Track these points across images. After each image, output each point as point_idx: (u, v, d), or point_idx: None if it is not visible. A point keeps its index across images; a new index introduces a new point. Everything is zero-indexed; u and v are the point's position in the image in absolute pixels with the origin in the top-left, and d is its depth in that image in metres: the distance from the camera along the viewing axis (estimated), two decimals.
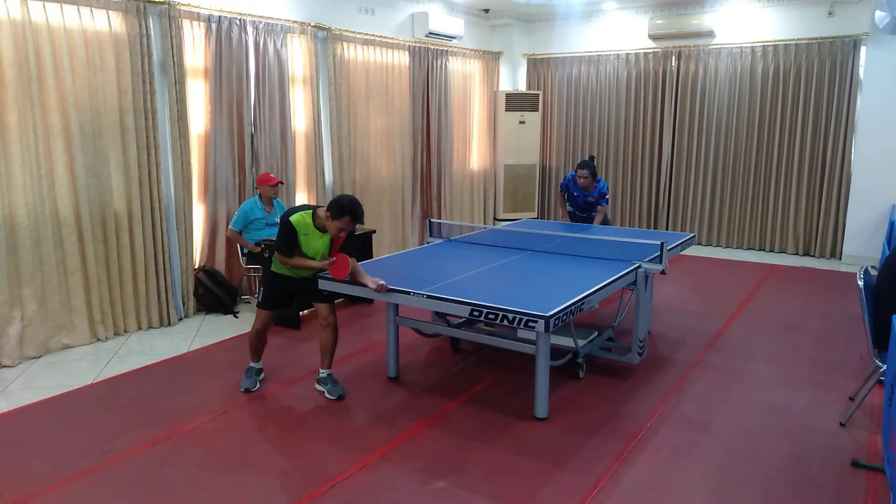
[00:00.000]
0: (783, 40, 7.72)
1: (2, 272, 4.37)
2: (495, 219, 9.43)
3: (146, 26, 4.95)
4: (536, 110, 9.21)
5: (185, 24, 5.29)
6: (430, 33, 7.60)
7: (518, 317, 3.24)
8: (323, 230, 3.76)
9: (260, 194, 5.47)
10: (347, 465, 3.18)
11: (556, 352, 4.03)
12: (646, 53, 8.64)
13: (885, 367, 3.28)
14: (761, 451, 3.33)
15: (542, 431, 3.52)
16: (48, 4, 4.42)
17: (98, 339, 4.92)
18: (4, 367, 4.40)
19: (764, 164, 8.06)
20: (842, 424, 3.59)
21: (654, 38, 8.53)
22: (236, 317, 5.53)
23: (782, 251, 8.12)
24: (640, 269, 4.18)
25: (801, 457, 3.27)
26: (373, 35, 7.04)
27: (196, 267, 5.63)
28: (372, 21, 7.10)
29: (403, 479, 3.07)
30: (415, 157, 7.83)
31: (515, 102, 9.09)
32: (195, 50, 5.42)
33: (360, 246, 5.96)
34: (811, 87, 7.65)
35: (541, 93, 9.27)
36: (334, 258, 3.78)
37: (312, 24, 6.35)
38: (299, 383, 4.16)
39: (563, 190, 6.10)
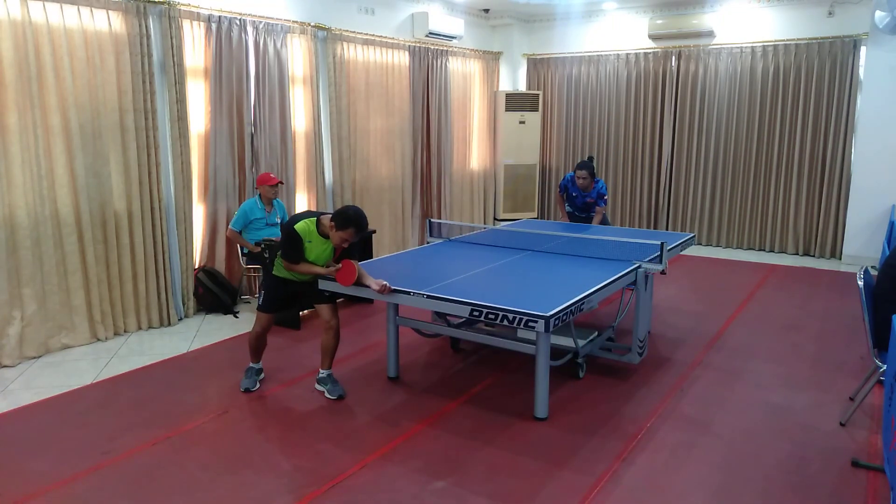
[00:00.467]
0: (783, 40, 7.72)
1: (2, 272, 4.37)
2: (495, 219, 9.43)
3: (146, 26, 4.95)
4: (536, 110, 9.21)
5: (185, 24, 5.29)
6: (430, 33, 7.60)
7: (518, 317, 3.24)
8: (326, 237, 3.77)
9: (260, 194, 5.47)
10: (347, 465, 3.18)
11: (556, 352, 4.03)
12: (646, 53, 8.64)
13: (885, 367, 3.28)
14: (761, 451, 3.33)
15: (542, 431, 3.52)
16: (48, 4, 4.42)
17: (98, 339, 4.92)
18: (4, 367, 4.40)
19: (764, 164, 8.06)
20: (842, 424, 3.59)
21: (654, 38, 8.53)
22: (236, 317, 5.53)
23: (782, 251, 8.12)
24: (640, 269, 4.18)
25: (801, 457, 3.27)
26: (373, 35, 7.04)
27: (196, 267, 5.63)
28: (372, 21, 7.10)
29: (403, 479, 3.07)
30: (415, 157, 7.83)
31: (515, 102, 9.09)
32: (195, 50, 5.42)
33: (361, 246, 5.95)
34: (811, 87, 7.65)
35: (541, 93, 9.27)
36: (340, 265, 3.77)
37: (312, 24, 6.35)
38: (299, 383, 4.16)
39: (562, 190, 6.10)
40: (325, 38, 6.52)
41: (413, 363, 4.51)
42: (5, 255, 4.39)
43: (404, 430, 3.53)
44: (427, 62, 7.80)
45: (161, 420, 3.64)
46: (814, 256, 7.90)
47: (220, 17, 5.46)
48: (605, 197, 5.91)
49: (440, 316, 4.40)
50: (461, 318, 4.02)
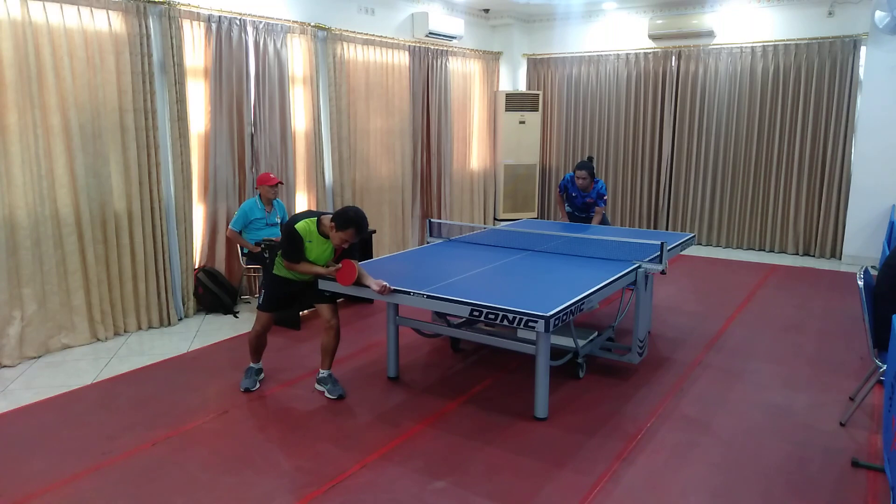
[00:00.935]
0: (783, 40, 7.72)
1: (2, 272, 4.37)
2: (495, 219, 9.43)
3: (146, 26, 4.95)
4: (536, 110, 9.21)
5: (185, 24, 5.29)
6: (430, 33, 7.60)
7: (518, 317, 3.24)
8: (326, 237, 3.77)
9: (260, 194, 5.47)
10: (347, 465, 3.18)
11: (556, 352, 4.03)
12: (646, 53, 8.64)
13: (885, 367, 3.28)
14: (761, 451, 3.33)
15: (542, 431, 3.52)
16: (48, 4, 4.42)
17: (98, 339, 4.92)
18: (4, 367, 4.40)
19: (764, 164, 8.06)
20: (842, 424, 3.59)
21: (654, 38, 8.53)
22: (236, 317, 5.53)
23: (782, 251, 8.12)
24: (640, 269, 4.18)
25: (801, 457, 3.27)
26: (373, 35, 7.04)
27: (196, 267, 5.63)
28: (372, 21, 7.10)
29: (404, 479, 3.07)
30: (415, 157, 7.83)
31: (515, 102, 9.09)
32: (195, 50, 5.42)
33: (361, 246, 5.95)
34: (811, 87, 7.65)
35: (541, 93, 9.27)
36: (340, 265, 3.78)
37: (312, 24, 6.35)
38: (299, 383, 4.16)
39: (562, 190, 6.10)
40: (325, 38, 6.52)
41: (413, 363, 4.51)
42: (5, 255, 4.39)
43: (404, 430, 3.53)
44: (427, 62, 7.80)
45: (161, 420, 3.64)
46: (814, 256, 7.90)
47: (220, 17, 5.46)
48: (605, 197, 5.91)
49: (440, 316, 4.40)
50: (461, 318, 4.02)
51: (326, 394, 3.95)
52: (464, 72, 8.55)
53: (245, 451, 3.32)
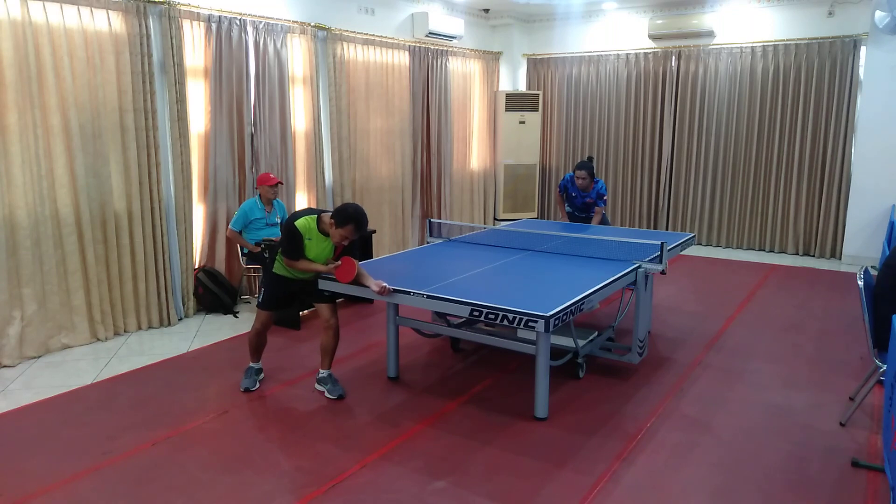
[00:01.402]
0: (783, 40, 7.72)
1: (2, 272, 4.37)
2: (495, 219, 9.43)
3: (146, 26, 4.95)
4: (536, 110, 9.21)
5: (185, 24, 5.29)
6: (430, 33, 7.60)
7: (518, 317, 3.24)
8: (326, 235, 3.77)
9: (260, 194, 5.47)
10: (347, 465, 3.18)
11: (556, 352, 4.03)
12: (646, 53, 8.64)
13: (885, 367, 3.28)
14: (761, 451, 3.33)
15: (542, 431, 3.52)
16: (48, 4, 4.42)
17: (98, 339, 4.92)
18: (4, 367, 4.40)
19: (764, 164, 8.06)
20: (842, 424, 3.59)
21: (654, 38, 8.53)
22: (236, 317, 5.53)
23: (782, 251, 8.12)
24: (640, 269, 4.18)
25: (801, 457, 3.27)
26: (373, 35, 7.04)
27: (196, 267, 5.63)
28: (372, 21, 7.10)
29: (403, 479, 3.07)
30: (415, 157, 7.83)
31: (515, 102, 9.09)
32: (195, 50, 5.42)
33: (361, 246, 5.95)
34: (811, 87, 7.65)
35: (541, 93, 9.27)
36: (339, 262, 3.78)
37: (312, 24, 6.35)
38: (299, 383, 4.16)
39: (562, 190, 6.10)
40: (325, 38, 6.52)
41: (413, 363, 4.51)
42: (5, 255, 4.39)
43: (404, 430, 3.53)
44: (427, 62, 7.80)
45: (161, 420, 3.64)
46: (814, 256, 7.90)
47: (220, 17, 5.46)
48: (605, 197, 5.91)
49: (440, 316, 4.40)
50: (461, 318, 4.02)
51: (326, 394, 3.95)
52: (464, 72, 8.55)
53: (245, 451, 3.32)
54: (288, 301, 4.11)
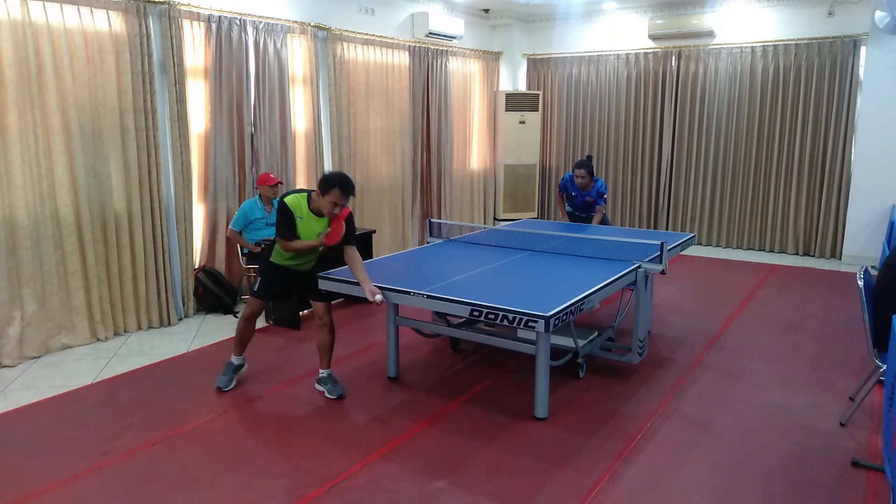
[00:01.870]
0: (783, 40, 7.72)
1: (2, 272, 4.37)
2: (495, 219, 9.43)
3: (146, 26, 4.95)
4: (536, 110, 9.21)
5: (185, 24, 5.29)
6: (430, 33, 7.60)
7: (518, 317, 3.24)
8: (319, 214, 3.74)
9: (260, 194, 5.47)
10: (347, 465, 3.18)
11: (556, 352, 4.03)
12: (646, 53, 8.64)
13: (885, 367, 3.28)
14: (761, 451, 3.33)
15: (542, 431, 3.52)
16: (48, 4, 4.42)
17: (98, 339, 4.92)
18: (4, 367, 4.40)
19: (764, 164, 8.06)
20: (842, 424, 3.59)
21: (654, 38, 8.53)
22: (236, 317, 5.53)
23: (782, 251, 8.12)
24: (640, 269, 4.18)
25: (801, 457, 3.27)
26: (373, 35, 7.04)
27: (196, 267, 5.63)
28: (372, 21, 7.10)
29: (403, 479, 3.07)
30: (415, 157, 7.83)
31: (515, 102, 9.09)
32: (195, 50, 5.42)
33: (361, 246, 5.96)
34: (811, 87, 7.65)
35: (541, 93, 9.27)
36: (329, 229, 3.72)
37: (312, 24, 6.35)
38: (299, 383, 4.16)
39: (562, 190, 6.09)
40: (325, 38, 6.52)
41: (413, 363, 4.51)
42: (5, 255, 4.39)
43: (404, 430, 3.53)
44: (427, 62, 7.80)
45: (161, 420, 3.64)
46: (814, 256, 7.90)
47: (220, 17, 5.46)
48: (605, 196, 5.90)
49: (440, 316, 4.40)
50: (461, 318, 4.02)
51: (326, 394, 3.95)
52: (464, 72, 8.55)
53: (245, 451, 3.32)
54: (284, 294, 4.08)
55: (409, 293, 3.60)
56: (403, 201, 7.72)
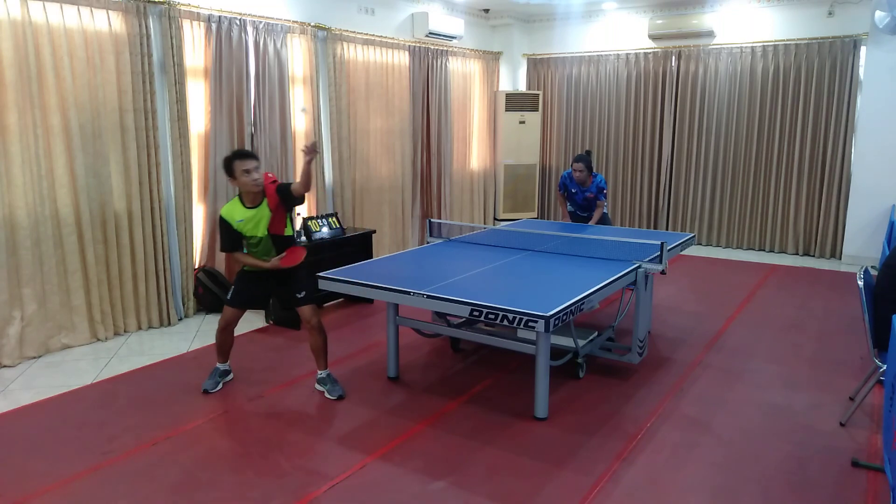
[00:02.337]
0: (783, 40, 7.72)
1: (2, 272, 4.37)
2: (495, 219, 9.43)
3: (146, 26, 4.95)
4: (536, 110, 9.21)
5: (185, 24, 5.29)
6: (430, 33, 7.60)
7: (518, 317, 3.24)
8: (255, 205, 3.76)
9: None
10: (347, 465, 3.18)
11: (556, 352, 4.03)
12: (646, 53, 8.64)
13: (885, 367, 3.28)
14: (761, 451, 3.33)
15: (542, 431, 3.52)
16: (48, 4, 4.42)
17: (98, 339, 4.92)
18: (4, 367, 4.40)
19: (764, 164, 8.06)
20: (842, 424, 3.59)
21: (654, 38, 8.53)
22: None
23: (782, 251, 8.12)
24: (640, 269, 4.18)
25: (801, 457, 3.27)
26: (373, 35, 7.04)
27: (196, 267, 5.63)
28: (372, 21, 7.10)
29: (403, 479, 3.07)
30: (415, 157, 7.83)
31: (515, 102, 9.09)
32: (195, 50, 5.42)
33: (361, 246, 5.96)
34: (811, 87, 7.65)
35: (541, 93, 9.27)
36: (284, 254, 3.81)
37: (312, 24, 6.35)
38: (299, 383, 4.16)
39: (562, 188, 6.06)
40: (325, 38, 6.52)
41: (413, 363, 4.51)
42: (5, 255, 4.39)
43: (404, 430, 3.53)
44: (427, 62, 7.80)
45: (161, 420, 3.64)
46: (814, 256, 7.90)
47: (220, 17, 5.46)
48: (605, 191, 5.84)
49: (440, 316, 4.40)
50: (461, 318, 4.02)
51: (326, 394, 3.95)
52: (464, 72, 8.55)
53: (245, 451, 3.32)
54: (259, 300, 4.09)
55: (409, 293, 3.60)
56: (403, 201, 7.72)
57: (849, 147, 7.53)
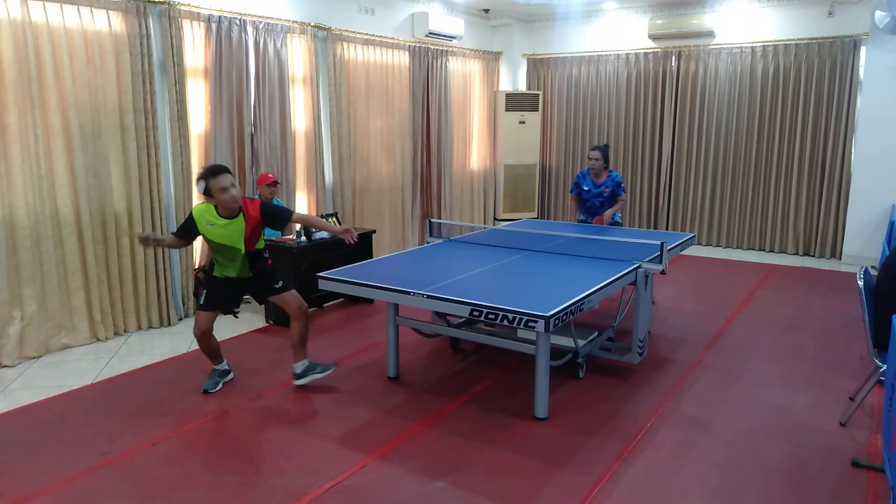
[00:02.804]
0: (783, 40, 7.72)
1: (2, 272, 4.37)
2: (495, 219, 9.43)
3: (146, 26, 4.95)
4: (536, 110, 9.21)
5: (185, 24, 5.29)
6: (430, 33, 7.60)
7: (518, 317, 3.24)
8: (229, 217, 3.72)
9: (259, 194, 5.47)
10: (347, 465, 3.18)
11: (556, 352, 4.03)
12: (646, 53, 8.64)
13: (885, 367, 3.28)
14: (761, 451, 3.33)
15: (542, 431, 3.52)
16: (48, 4, 4.42)
17: (98, 339, 4.92)
18: (4, 367, 4.40)
19: (764, 164, 8.06)
20: (842, 424, 3.59)
21: (654, 38, 8.53)
22: (236, 317, 5.52)
23: (782, 251, 8.12)
24: (640, 269, 4.18)
25: (801, 457, 3.27)
26: (373, 35, 7.04)
27: (196, 267, 5.63)
28: (372, 21, 7.10)
29: (403, 479, 3.07)
30: (415, 157, 7.83)
31: (515, 102, 9.09)
32: (195, 50, 5.42)
33: (361, 246, 5.96)
34: (811, 87, 7.65)
35: (541, 93, 9.27)
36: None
37: (312, 24, 6.35)
38: None
39: (574, 190, 5.88)
40: (325, 38, 6.52)
41: (413, 363, 4.50)
42: (5, 255, 4.39)
43: (404, 430, 3.53)
44: (427, 62, 7.80)
45: (161, 420, 3.64)
46: (814, 256, 7.90)
47: (220, 17, 5.46)
48: (623, 185, 5.70)
49: (440, 316, 4.40)
50: (461, 318, 4.02)
51: (319, 374, 3.98)
52: (464, 72, 8.55)
53: (245, 450, 3.32)
54: (230, 302, 4.06)
55: (409, 293, 3.60)
56: (403, 201, 7.72)
57: (849, 147, 7.53)
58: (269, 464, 3.20)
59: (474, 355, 4.66)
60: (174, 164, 5.28)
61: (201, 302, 3.95)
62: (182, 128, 5.29)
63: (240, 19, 5.62)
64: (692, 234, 5.35)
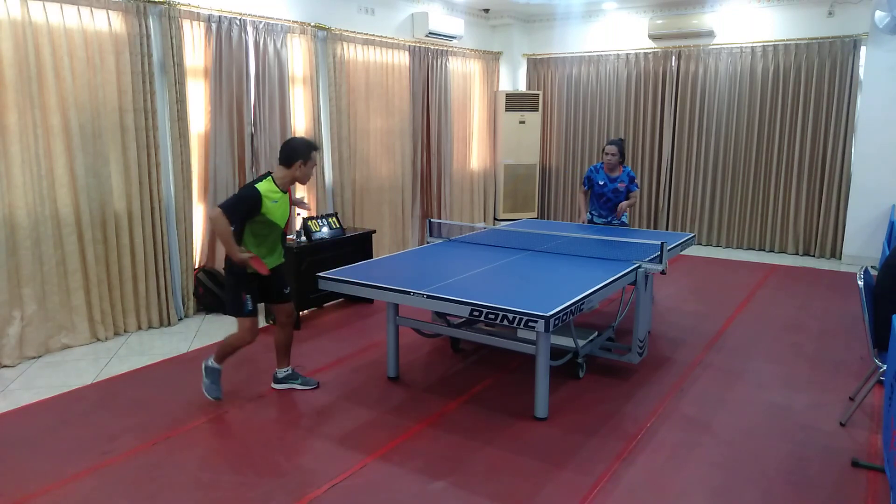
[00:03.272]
0: (783, 40, 7.72)
1: (2, 272, 4.37)
2: (495, 219, 9.43)
3: (146, 26, 4.95)
4: (536, 110, 9.21)
5: (185, 24, 5.29)
6: (430, 33, 7.60)
7: (518, 317, 3.24)
8: (284, 193, 3.74)
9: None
10: (347, 465, 3.18)
11: (556, 352, 4.03)
12: (646, 53, 8.64)
13: (885, 367, 3.28)
14: (761, 451, 3.33)
15: (542, 431, 3.52)
16: (48, 4, 4.42)
17: (98, 339, 4.92)
18: (4, 367, 4.40)
19: (764, 164, 8.06)
20: (842, 424, 3.59)
21: (654, 38, 8.53)
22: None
23: (782, 251, 8.12)
24: (640, 269, 4.18)
25: (801, 457, 3.27)
26: (373, 35, 7.04)
27: (196, 267, 5.63)
28: (372, 21, 7.10)
29: (403, 479, 3.07)
30: (415, 157, 7.83)
31: (515, 102, 9.09)
32: (195, 50, 5.42)
33: (361, 246, 5.96)
34: (811, 87, 7.64)
35: (541, 93, 9.27)
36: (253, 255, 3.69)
37: (312, 24, 6.35)
38: None
39: (586, 183, 5.72)
40: (325, 38, 6.52)
41: (413, 363, 4.51)
42: (5, 255, 4.39)
43: (404, 430, 3.53)
44: (427, 62, 7.80)
45: (161, 420, 3.64)
46: (814, 256, 7.90)
47: (220, 17, 5.46)
48: (636, 180, 5.60)
49: (440, 316, 4.40)
50: (461, 318, 4.02)
51: (299, 386, 4.00)
52: (464, 72, 8.55)
53: (245, 451, 3.32)
54: (261, 297, 4.00)
55: (409, 293, 3.60)
56: (403, 201, 7.72)
57: (849, 147, 7.53)
58: (269, 464, 3.20)
59: (474, 355, 4.66)
60: (174, 164, 5.28)
61: (249, 307, 3.75)
62: (182, 128, 5.29)
63: (240, 19, 5.62)
64: (692, 234, 5.35)
